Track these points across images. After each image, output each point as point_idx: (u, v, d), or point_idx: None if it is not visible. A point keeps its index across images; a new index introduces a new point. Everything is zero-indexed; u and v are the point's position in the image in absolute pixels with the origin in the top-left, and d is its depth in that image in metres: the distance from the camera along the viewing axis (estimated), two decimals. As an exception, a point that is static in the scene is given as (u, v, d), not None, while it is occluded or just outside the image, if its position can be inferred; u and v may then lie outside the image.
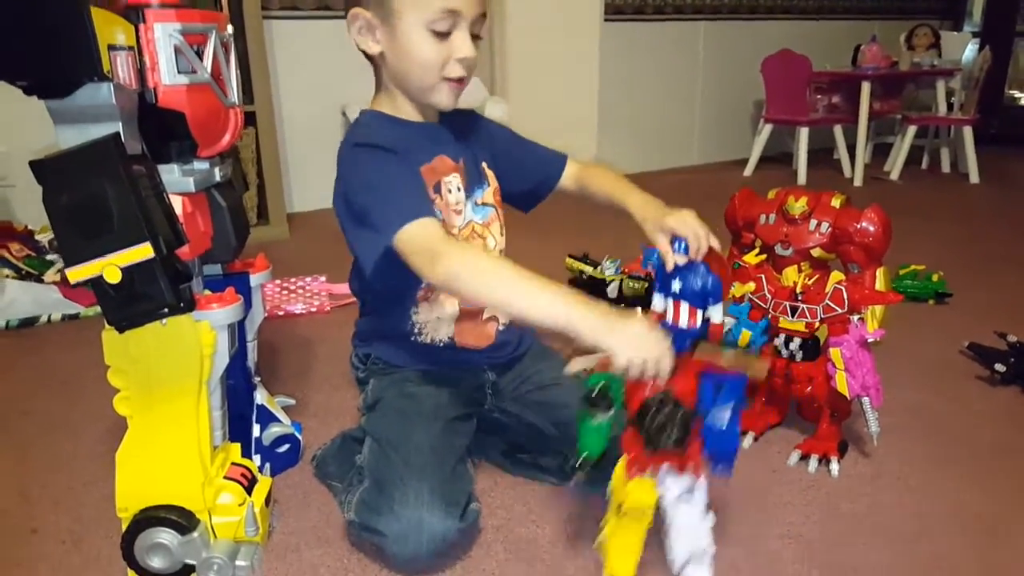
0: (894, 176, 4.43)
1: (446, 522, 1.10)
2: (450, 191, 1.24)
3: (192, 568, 1.11)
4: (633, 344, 0.94)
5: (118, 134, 0.93)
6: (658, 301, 1.08)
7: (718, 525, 1.19)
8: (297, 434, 1.40)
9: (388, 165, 1.12)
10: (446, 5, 1.10)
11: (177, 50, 1.00)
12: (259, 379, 1.38)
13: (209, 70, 1.05)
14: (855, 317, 1.36)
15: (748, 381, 0.99)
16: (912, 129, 4.38)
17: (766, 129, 4.50)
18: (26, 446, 1.53)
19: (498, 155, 1.35)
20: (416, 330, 1.26)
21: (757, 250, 1.50)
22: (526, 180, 1.37)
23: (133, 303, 0.96)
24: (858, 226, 1.44)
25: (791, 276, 1.43)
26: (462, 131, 1.30)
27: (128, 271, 0.94)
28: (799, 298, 1.40)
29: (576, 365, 1.01)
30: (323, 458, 1.37)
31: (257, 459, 1.35)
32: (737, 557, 1.15)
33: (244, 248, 1.29)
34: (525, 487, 1.35)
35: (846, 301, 1.35)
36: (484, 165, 1.32)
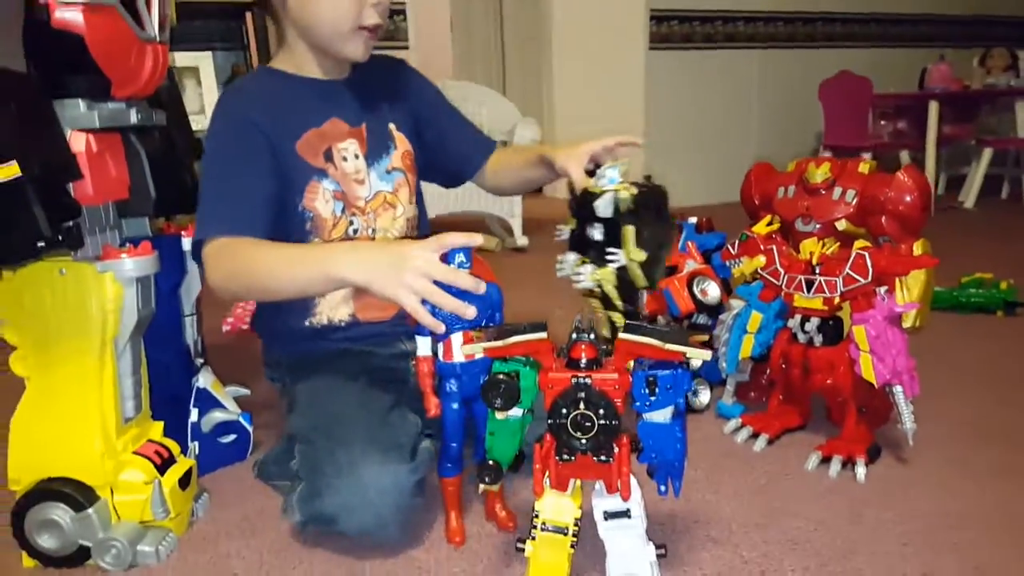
0: (968, 204, 4.11)
1: (389, 467, 0.95)
2: (345, 159, 1.14)
3: (88, 552, 0.97)
4: (409, 280, 0.85)
5: (-12, 42, 0.83)
6: (424, 344, 0.92)
7: (698, 528, 1.01)
8: (246, 424, 1.27)
9: (233, 149, 1.07)
10: None
11: (75, -36, 0.91)
12: (203, 361, 1.25)
13: (117, -7, 0.96)
14: (882, 290, 1.15)
15: (692, 373, 0.81)
16: (988, 153, 4.07)
17: (826, 156, 4.26)
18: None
19: (420, 121, 1.26)
20: (312, 312, 1.16)
21: (768, 219, 1.32)
22: (448, 158, 1.29)
23: (3, 232, 0.85)
24: (890, 192, 1.25)
25: (809, 248, 1.23)
26: (373, 90, 1.21)
27: (-6, 193, 0.83)
28: (816, 271, 1.20)
29: (468, 349, 0.87)
30: (264, 461, 1.22)
31: (195, 446, 1.21)
32: (724, 563, 0.94)
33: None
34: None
35: (870, 269, 1.14)
36: (392, 127, 1.22)
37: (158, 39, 1.03)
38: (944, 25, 5.31)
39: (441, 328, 0.87)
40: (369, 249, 0.94)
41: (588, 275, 0.99)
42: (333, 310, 1.16)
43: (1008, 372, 1.59)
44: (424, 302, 0.86)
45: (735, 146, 4.66)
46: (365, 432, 0.99)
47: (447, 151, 1.28)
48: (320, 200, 1.11)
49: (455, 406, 0.94)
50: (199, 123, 3.55)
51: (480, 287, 0.87)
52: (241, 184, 1.05)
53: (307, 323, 1.16)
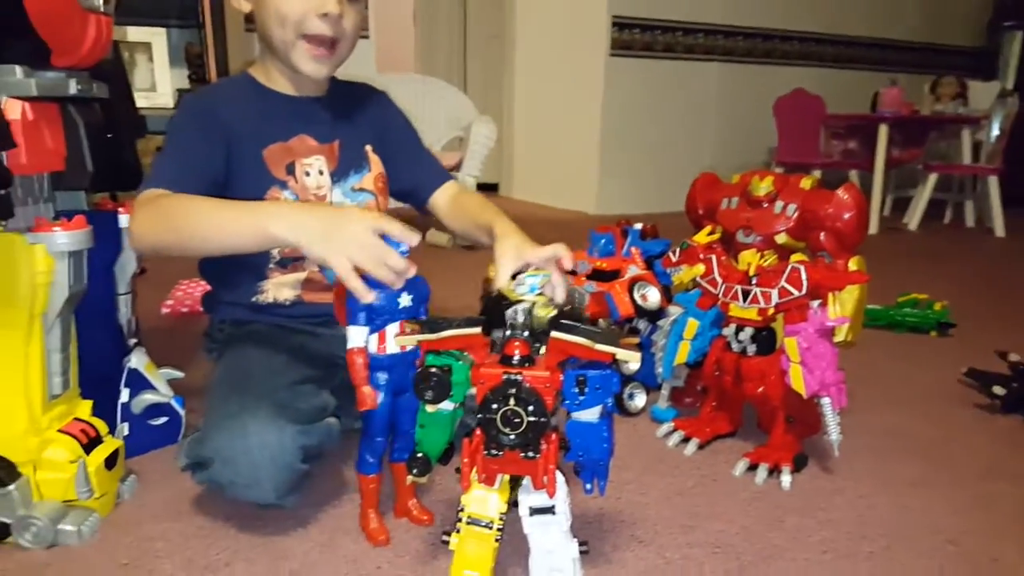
0: (912, 226, 4.23)
1: (277, 422, 0.94)
2: (308, 174, 1.15)
3: (7, 528, 0.95)
4: (357, 252, 0.85)
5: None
6: (357, 335, 0.91)
7: (624, 528, 1.03)
8: (178, 407, 1.25)
9: (189, 130, 1.08)
10: None
11: (17, -73, 0.89)
12: (136, 341, 1.23)
13: (61, -41, 0.94)
14: (816, 303, 1.18)
15: (620, 374, 0.83)
16: (933, 178, 4.20)
17: (777, 171, 4.34)
18: None
19: (386, 142, 1.27)
20: (257, 288, 1.17)
21: (709, 229, 1.34)
22: (402, 179, 1.30)
23: (-74, 198, 0.83)
24: (829, 209, 1.28)
25: (747, 259, 1.26)
26: (348, 110, 1.23)
27: (-81, 158, 0.80)
28: (753, 281, 1.23)
29: (402, 340, 0.87)
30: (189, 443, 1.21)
31: (124, 427, 1.19)
32: (646, 563, 0.96)
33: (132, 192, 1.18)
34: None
35: (804, 282, 1.17)
36: (368, 148, 1.24)
37: (103, 10, 1.01)
38: (897, 51, 5.48)
39: (370, 296, 0.87)
40: (307, 209, 0.95)
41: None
42: (279, 291, 1.17)
43: (935, 390, 1.64)
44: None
45: (689, 156, 4.73)
46: (266, 390, 1.00)
47: (401, 172, 1.29)
48: None
49: (383, 399, 0.93)
50: (150, 100, 3.47)
51: (412, 271, 0.88)
52: (193, 153, 1.06)
53: (252, 299, 1.17)
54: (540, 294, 0.89)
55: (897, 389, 1.64)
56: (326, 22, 1.07)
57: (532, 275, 0.93)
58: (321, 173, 1.16)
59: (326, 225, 0.88)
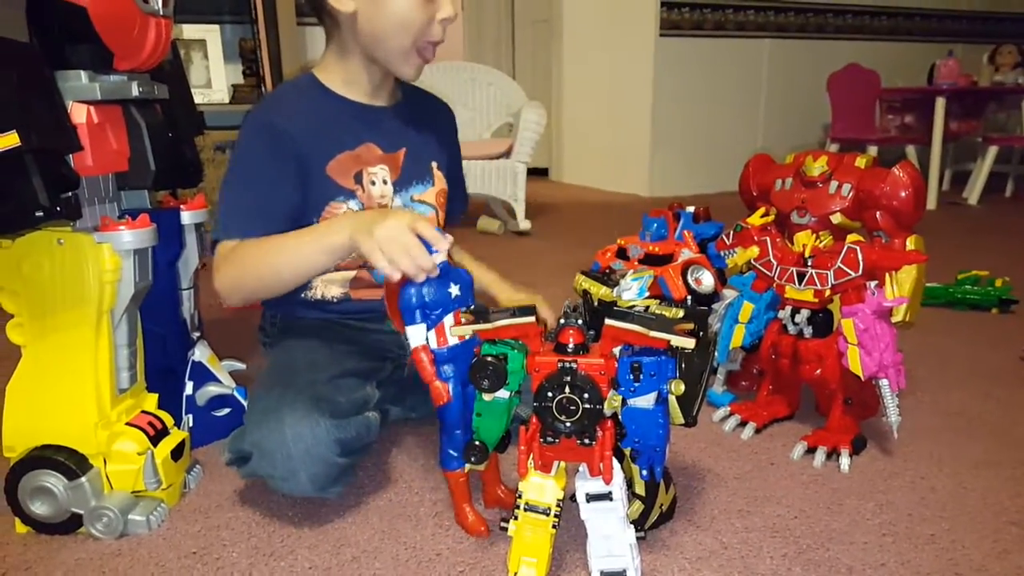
0: (972, 200, 4.10)
1: (312, 416, 0.96)
2: (373, 183, 1.17)
3: (80, 519, 0.99)
4: (387, 244, 0.88)
5: (-10, 12, 0.84)
6: (417, 333, 0.91)
7: (681, 514, 1.03)
8: (240, 398, 1.28)
9: (260, 160, 1.10)
10: None
11: (79, -63, 0.91)
12: (199, 335, 1.26)
13: (121, -34, 0.96)
14: (872, 284, 1.16)
15: (676, 361, 0.82)
16: (993, 151, 4.05)
17: (832, 149, 4.25)
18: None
19: (447, 162, 1.29)
20: (308, 284, 1.19)
21: (763, 211, 1.32)
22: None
23: (2, 201, 0.86)
24: (885, 187, 1.25)
25: (803, 240, 1.24)
26: (418, 121, 1.24)
27: (-7, 162, 0.84)
28: (808, 263, 1.21)
29: (458, 330, 0.87)
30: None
31: (189, 419, 1.23)
32: (704, 548, 0.96)
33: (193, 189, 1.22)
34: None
35: (860, 263, 1.15)
36: (434, 164, 1.25)
37: (162, 13, 1.03)
38: (954, 21, 5.29)
39: (389, 268, 0.88)
40: (359, 213, 1.00)
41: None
42: (328, 288, 1.20)
43: (997, 368, 1.60)
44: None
45: (742, 135, 4.66)
46: (305, 383, 1.02)
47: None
48: None
49: (454, 390, 0.93)
50: (205, 96, 3.54)
51: (435, 270, 0.90)
52: (264, 191, 1.09)
53: (302, 295, 1.19)
54: (649, 297, 0.90)
55: (958, 368, 1.61)
56: (444, 26, 1.10)
57: (635, 278, 0.93)
58: (385, 183, 1.17)
59: (371, 220, 0.92)
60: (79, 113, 0.97)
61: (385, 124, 1.20)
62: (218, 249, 1.07)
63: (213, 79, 3.58)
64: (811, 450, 1.20)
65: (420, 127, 1.24)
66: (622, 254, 1.41)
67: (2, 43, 0.84)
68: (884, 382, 1.14)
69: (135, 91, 1.03)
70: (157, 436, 1.04)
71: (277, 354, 1.16)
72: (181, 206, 1.18)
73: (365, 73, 1.16)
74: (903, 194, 1.25)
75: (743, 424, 1.29)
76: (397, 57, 1.11)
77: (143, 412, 1.06)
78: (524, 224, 3.29)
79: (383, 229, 0.90)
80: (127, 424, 1.02)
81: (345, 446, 0.99)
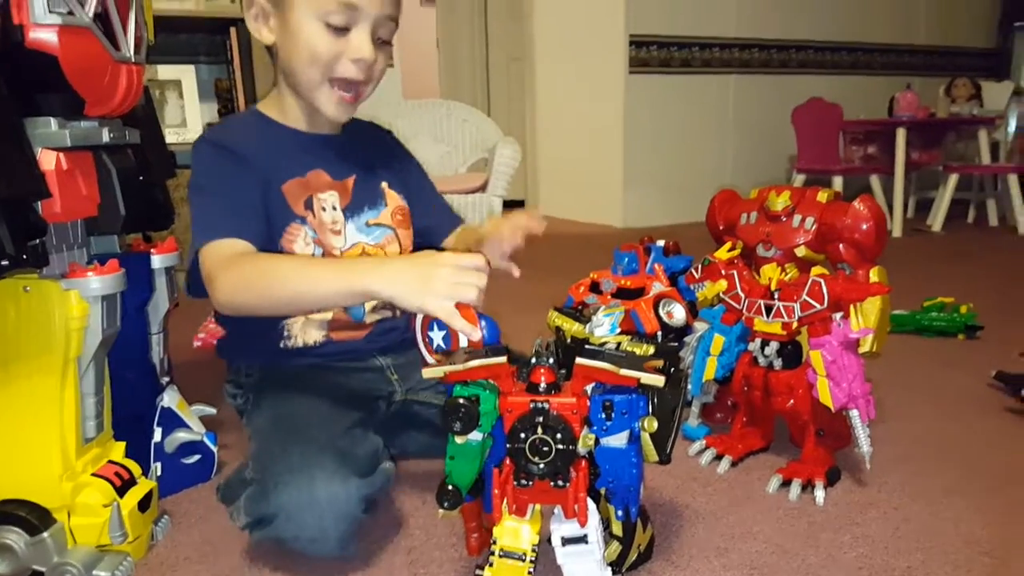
0: (936, 227, 4.19)
1: (342, 472, 0.93)
2: (324, 208, 1.16)
3: (41, 576, 0.96)
4: (439, 287, 0.88)
5: (-47, 61, 0.84)
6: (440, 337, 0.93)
7: (658, 553, 1.02)
8: (210, 444, 1.26)
9: (222, 169, 1.08)
10: None
11: (48, -13, 0.91)
12: (168, 379, 1.25)
13: (91, 15, 0.96)
14: (838, 316, 1.17)
15: (648, 398, 0.82)
16: (954, 178, 4.15)
17: (799, 180, 4.32)
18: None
19: (403, 182, 1.28)
20: (285, 334, 1.16)
21: (730, 245, 1.34)
22: (417, 221, 1.30)
23: (-34, 250, 0.85)
24: (846, 220, 1.28)
25: (768, 273, 1.26)
26: (363, 148, 1.24)
27: (-42, 212, 0.83)
28: (775, 296, 1.22)
29: (429, 372, 0.85)
30: (227, 483, 1.21)
31: (158, 467, 1.20)
32: (682, 584, 0.96)
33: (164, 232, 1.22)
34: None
35: (825, 296, 1.16)
36: (384, 185, 1.25)
37: (133, 60, 1.04)
38: (911, 55, 5.45)
39: (477, 334, 0.87)
40: (396, 262, 0.97)
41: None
42: (307, 333, 1.17)
43: (965, 394, 1.63)
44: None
45: (711, 166, 4.74)
46: (324, 437, 0.99)
47: (416, 214, 1.30)
48: (300, 243, 1.12)
49: None
50: (180, 135, 3.51)
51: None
52: (232, 194, 1.07)
53: (280, 344, 1.17)
54: (622, 332, 0.90)
55: (927, 395, 1.63)
56: (358, 66, 1.08)
57: (607, 314, 0.94)
58: (335, 208, 1.17)
59: (419, 274, 0.90)
60: (48, 160, 0.96)
61: (331, 151, 1.19)
62: (203, 256, 1.02)
63: (188, 118, 3.57)
64: (786, 483, 1.20)
65: (366, 151, 1.24)
66: (595, 288, 1.42)
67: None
68: (854, 413, 1.16)
69: (106, 137, 1.03)
70: (124, 487, 1.02)
71: (273, 407, 1.11)
72: (152, 250, 1.17)
73: (297, 105, 1.17)
74: (864, 227, 1.28)
75: (719, 457, 1.30)
76: (311, 91, 1.11)
77: (110, 462, 1.04)
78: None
79: (439, 279, 0.88)
80: (93, 475, 1.00)
81: (369, 501, 0.98)
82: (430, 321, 0.93)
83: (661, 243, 1.59)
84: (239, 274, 0.99)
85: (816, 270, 1.20)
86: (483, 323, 0.89)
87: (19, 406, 0.97)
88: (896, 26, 5.30)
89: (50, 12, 0.91)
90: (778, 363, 1.24)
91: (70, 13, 0.93)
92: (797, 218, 1.32)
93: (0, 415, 0.97)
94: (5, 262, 0.86)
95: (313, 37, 1.06)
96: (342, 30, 1.06)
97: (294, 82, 1.13)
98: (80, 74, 0.96)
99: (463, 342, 0.90)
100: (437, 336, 0.93)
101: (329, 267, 1.00)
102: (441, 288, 0.88)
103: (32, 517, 0.95)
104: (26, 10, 0.91)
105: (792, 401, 1.23)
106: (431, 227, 1.31)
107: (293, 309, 1.05)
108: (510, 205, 4.23)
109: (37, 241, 0.90)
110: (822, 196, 1.33)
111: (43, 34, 0.92)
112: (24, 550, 0.95)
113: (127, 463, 1.06)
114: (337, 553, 0.95)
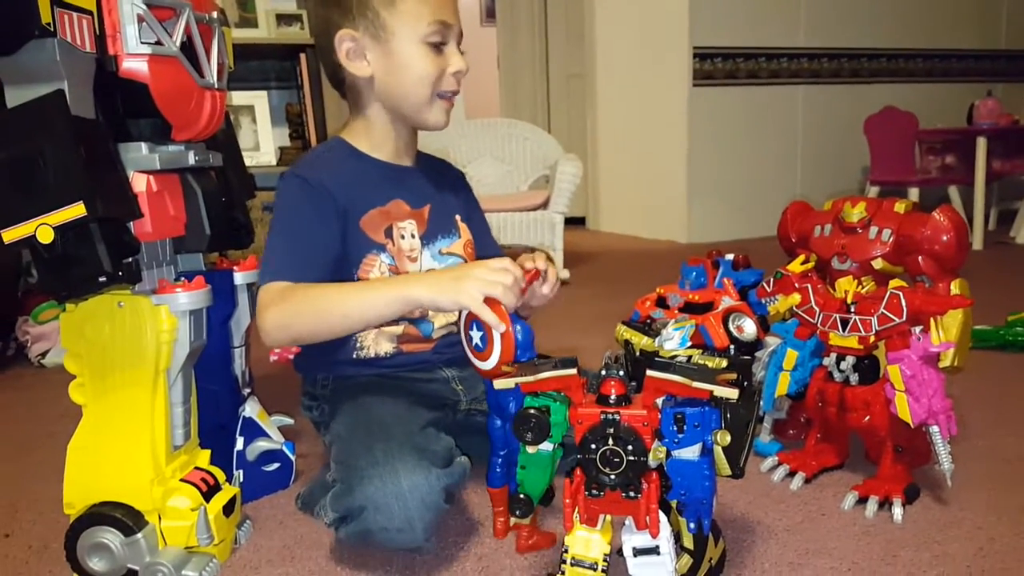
0: (1020, 239, 4.03)
1: (423, 463, 0.98)
2: (403, 236, 1.21)
3: (135, 574, 1.01)
4: (470, 285, 0.95)
5: (61, 91, 0.89)
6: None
7: (730, 568, 1.02)
8: (289, 453, 1.30)
9: (300, 208, 1.15)
10: (437, 17, 1.14)
11: (141, 19, 0.97)
12: (249, 391, 1.29)
13: (177, 44, 1.02)
14: (917, 329, 1.15)
15: (721, 411, 0.82)
16: (1039, 188, 3.99)
17: (872, 192, 4.22)
18: (39, 463, 1.50)
19: (469, 219, 1.35)
20: (358, 345, 1.21)
21: (803, 258, 1.32)
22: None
23: (67, 268, 0.90)
24: (926, 232, 1.25)
25: (844, 286, 1.24)
26: (437, 180, 1.31)
27: (61, 231, 0.88)
28: (851, 309, 1.20)
29: (500, 383, 0.87)
30: (307, 491, 1.25)
31: (240, 474, 1.25)
32: (756, 600, 0.95)
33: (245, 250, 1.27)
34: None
35: (904, 308, 1.14)
36: (457, 217, 1.31)
37: (216, 86, 1.09)
38: (992, 60, 5.25)
39: (503, 327, 0.92)
40: (434, 272, 1.10)
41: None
42: (379, 345, 1.22)
43: (1055, 413, 1.56)
44: None
45: (780, 180, 4.65)
46: (402, 434, 1.04)
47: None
48: (375, 272, 1.18)
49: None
50: (253, 159, 3.69)
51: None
52: (308, 239, 1.14)
53: (354, 355, 1.22)
54: (692, 346, 0.91)
55: (1011, 413, 1.57)
56: (457, 78, 1.18)
57: (677, 327, 0.95)
58: (413, 236, 1.22)
59: (454, 276, 0.99)
60: (139, 182, 1.02)
61: (410, 182, 1.26)
62: (261, 293, 1.10)
63: (261, 142, 3.71)
64: (862, 500, 1.18)
65: (440, 184, 1.31)
66: (662, 303, 1.42)
67: (75, 121, 0.90)
68: (935, 429, 1.13)
69: (191, 160, 1.09)
70: (210, 492, 1.07)
71: (351, 412, 1.16)
72: (234, 267, 1.22)
73: (392, 133, 1.24)
74: (945, 238, 1.24)
75: (792, 474, 1.28)
76: (422, 108, 1.19)
77: (196, 468, 1.09)
78: (563, 273, 3.31)
79: (473, 277, 0.96)
80: (181, 480, 1.05)
81: (449, 493, 1.02)
82: (471, 322, 0.97)
83: (730, 257, 1.57)
84: (287, 306, 1.07)
85: (894, 282, 1.18)
86: (517, 326, 0.93)
87: (114, 415, 1.02)
88: (975, 31, 5.11)
89: (141, 43, 0.97)
90: (854, 378, 1.22)
91: (159, 43, 0.99)
92: (874, 230, 1.30)
93: (96, 423, 1.03)
94: (103, 279, 0.91)
95: (419, 59, 1.15)
96: (439, 47, 1.16)
97: (397, 105, 1.20)
98: (168, 100, 1.02)
99: (497, 340, 0.93)
100: (476, 335, 0.97)
101: (372, 285, 1.08)
102: (472, 285, 0.95)
103: (127, 519, 1.00)
104: (120, 42, 0.97)
105: (869, 417, 1.20)
106: None
107: (341, 329, 1.10)
108: (572, 222, 4.24)
109: (131, 259, 0.95)
110: (900, 207, 1.30)
111: (135, 63, 0.98)
112: (120, 549, 1.00)
113: (212, 470, 1.11)
114: (421, 543, 0.99)
